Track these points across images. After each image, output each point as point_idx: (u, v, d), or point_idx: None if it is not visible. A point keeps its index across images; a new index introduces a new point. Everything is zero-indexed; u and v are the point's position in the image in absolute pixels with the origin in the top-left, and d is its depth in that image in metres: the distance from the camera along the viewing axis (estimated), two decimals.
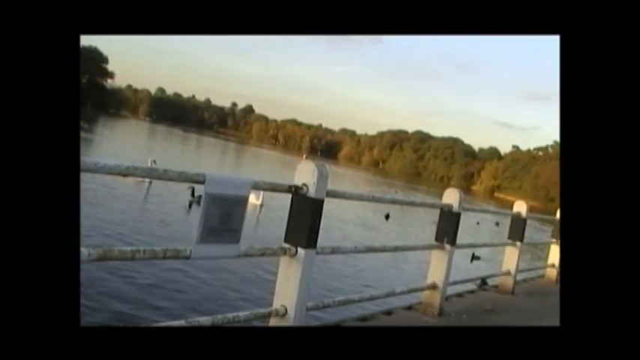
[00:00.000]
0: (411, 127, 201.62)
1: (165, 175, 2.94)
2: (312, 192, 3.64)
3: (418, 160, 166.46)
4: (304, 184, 3.66)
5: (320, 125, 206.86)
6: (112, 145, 48.61)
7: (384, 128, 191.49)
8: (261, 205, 24.46)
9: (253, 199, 24.97)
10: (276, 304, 3.76)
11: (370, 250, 6.01)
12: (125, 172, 2.85)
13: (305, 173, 3.70)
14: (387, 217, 32.36)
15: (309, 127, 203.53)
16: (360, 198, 5.90)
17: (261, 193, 22.88)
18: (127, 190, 23.39)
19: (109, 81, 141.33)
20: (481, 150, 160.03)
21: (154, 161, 28.26)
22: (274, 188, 3.67)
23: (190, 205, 23.18)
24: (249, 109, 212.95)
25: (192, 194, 23.37)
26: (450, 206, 5.77)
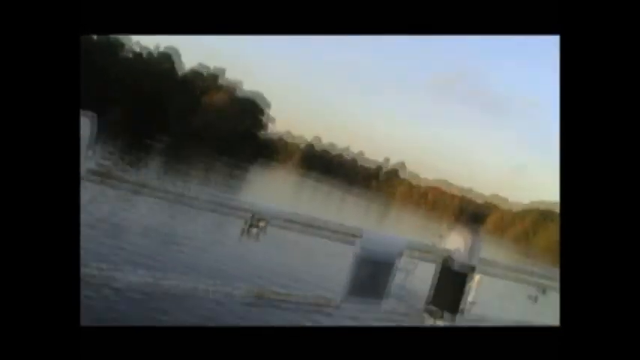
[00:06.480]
0: None
1: (324, 225, 3.06)
2: (463, 260, 3.61)
3: None
4: (457, 249, 3.63)
5: (470, 189, 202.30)
6: (262, 189, 50.45)
7: (537, 199, 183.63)
8: None
9: None
10: None
11: None
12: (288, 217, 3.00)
13: (457, 241, 3.68)
14: (538, 297, 30.13)
15: (459, 190, 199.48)
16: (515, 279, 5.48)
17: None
18: None
19: (270, 126, 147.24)
20: None
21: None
22: (428, 250, 3.68)
23: (243, 233, 22.25)
24: (395, 172, 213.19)
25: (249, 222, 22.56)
26: None
